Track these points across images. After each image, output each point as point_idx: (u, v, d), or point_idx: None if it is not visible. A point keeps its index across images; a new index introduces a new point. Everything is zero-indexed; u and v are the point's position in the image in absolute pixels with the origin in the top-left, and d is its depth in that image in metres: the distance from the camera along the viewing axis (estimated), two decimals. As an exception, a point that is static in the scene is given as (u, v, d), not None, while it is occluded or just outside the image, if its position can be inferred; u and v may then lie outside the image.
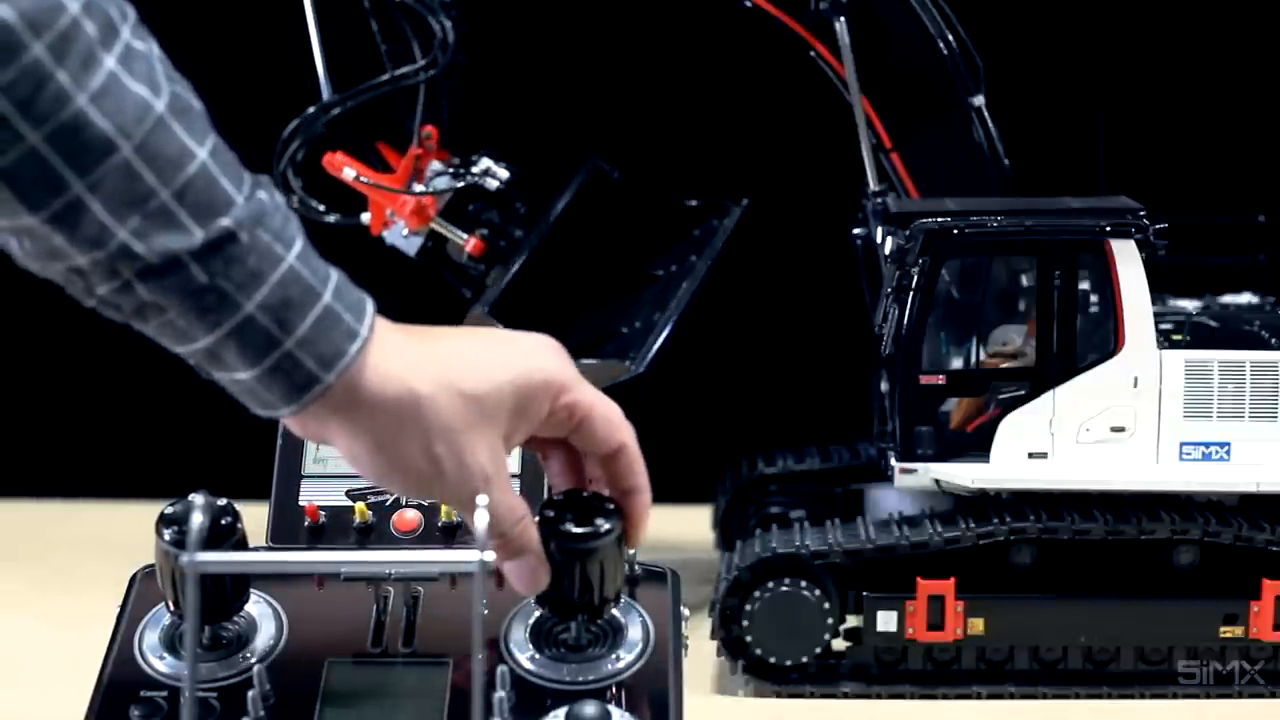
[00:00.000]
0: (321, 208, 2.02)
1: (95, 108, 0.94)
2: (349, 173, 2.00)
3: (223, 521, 1.20)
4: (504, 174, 2.03)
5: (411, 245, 2.03)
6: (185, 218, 0.98)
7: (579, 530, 1.15)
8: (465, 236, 1.99)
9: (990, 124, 1.95)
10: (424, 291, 2.04)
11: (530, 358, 1.12)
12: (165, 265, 0.98)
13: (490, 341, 1.13)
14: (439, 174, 2.01)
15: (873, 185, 1.96)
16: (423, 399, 1.05)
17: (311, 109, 1.97)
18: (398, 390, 1.05)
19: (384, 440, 1.05)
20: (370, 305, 1.05)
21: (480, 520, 1.07)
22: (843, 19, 1.91)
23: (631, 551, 1.22)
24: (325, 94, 1.98)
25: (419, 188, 1.99)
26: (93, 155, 0.95)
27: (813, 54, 1.96)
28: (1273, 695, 1.76)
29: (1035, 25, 2.38)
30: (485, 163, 2.02)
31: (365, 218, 2.02)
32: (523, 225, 2.03)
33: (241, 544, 1.23)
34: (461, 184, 2.00)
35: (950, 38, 1.93)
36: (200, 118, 1.00)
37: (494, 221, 2.02)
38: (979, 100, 1.94)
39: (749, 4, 1.94)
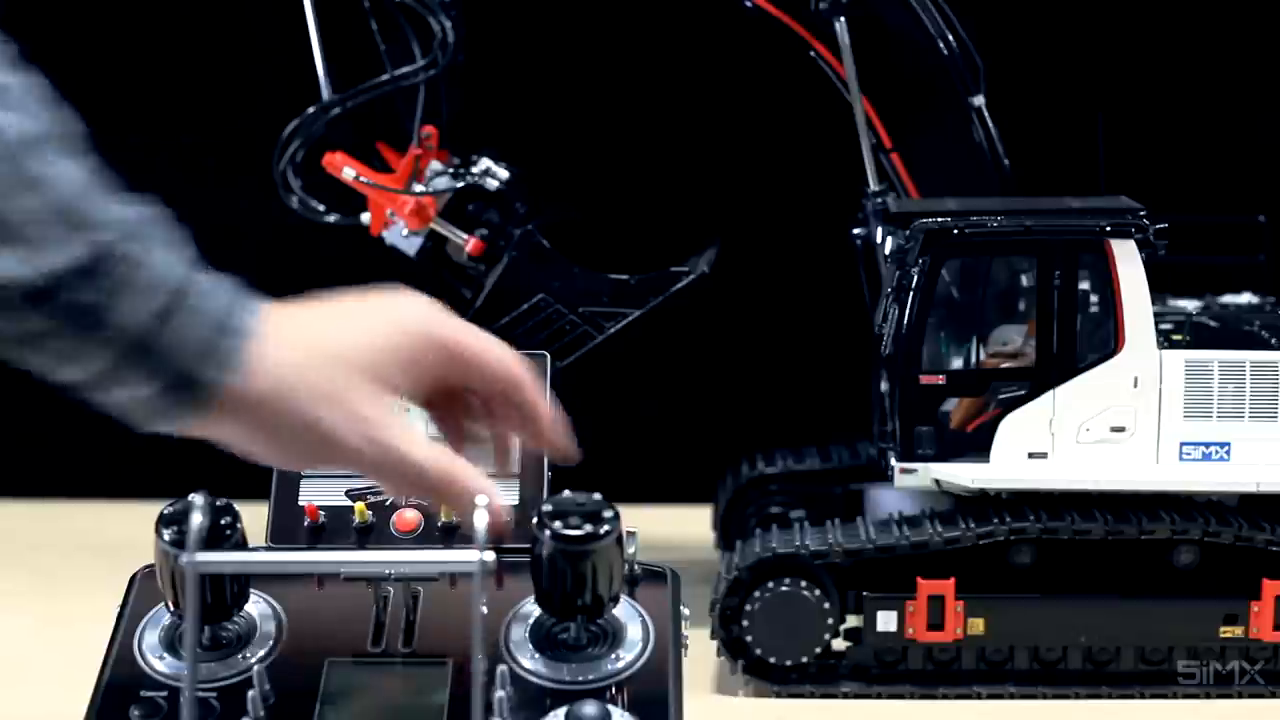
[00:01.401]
0: (321, 208, 2.02)
1: None
2: (349, 173, 2.00)
3: (222, 522, 1.20)
4: (504, 174, 2.03)
5: (411, 245, 2.03)
6: (63, 236, 0.98)
7: (579, 531, 1.15)
8: (465, 237, 1.99)
9: (990, 124, 1.95)
10: (424, 291, 2.04)
11: (405, 311, 1.13)
12: (46, 286, 0.98)
13: (366, 304, 1.13)
14: (439, 174, 2.01)
15: (873, 185, 1.96)
16: (305, 375, 1.06)
17: (311, 109, 1.97)
18: (282, 376, 1.05)
19: (278, 427, 1.06)
20: (255, 306, 1.06)
21: (480, 520, 1.07)
22: (843, 19, 1.91)
23: (631, 551, 1.22)
24: (325, 94, 1.98)
25: (419, 188, 1.99)
26: None
27: (813, 54, 1.96)
28: (1273, 695, 1.76)
29: (1035, 25, 2.38)
30: (485, 163, 2.03)
31: (365, 218, 2.02)
32: (522, 226, 2.03)
33: (241, 545, 1.23)
34: (461, 184, 2.00)
35: (950, 38, 1.93)
36: (75, 140, 1.01)
37: (494, 222, 2.02)
38: (979, 100, 1.94)
39: (749, 4, 1.94)
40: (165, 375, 1.02)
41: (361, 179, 2.00)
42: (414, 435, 1.12)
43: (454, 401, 1.18)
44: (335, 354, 1.08)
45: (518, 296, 2.00)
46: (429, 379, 1.13)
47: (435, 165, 2.01)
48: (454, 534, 1.30)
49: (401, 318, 1.12)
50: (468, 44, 1.98)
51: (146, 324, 1.01)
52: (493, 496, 1.13)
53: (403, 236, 2.02)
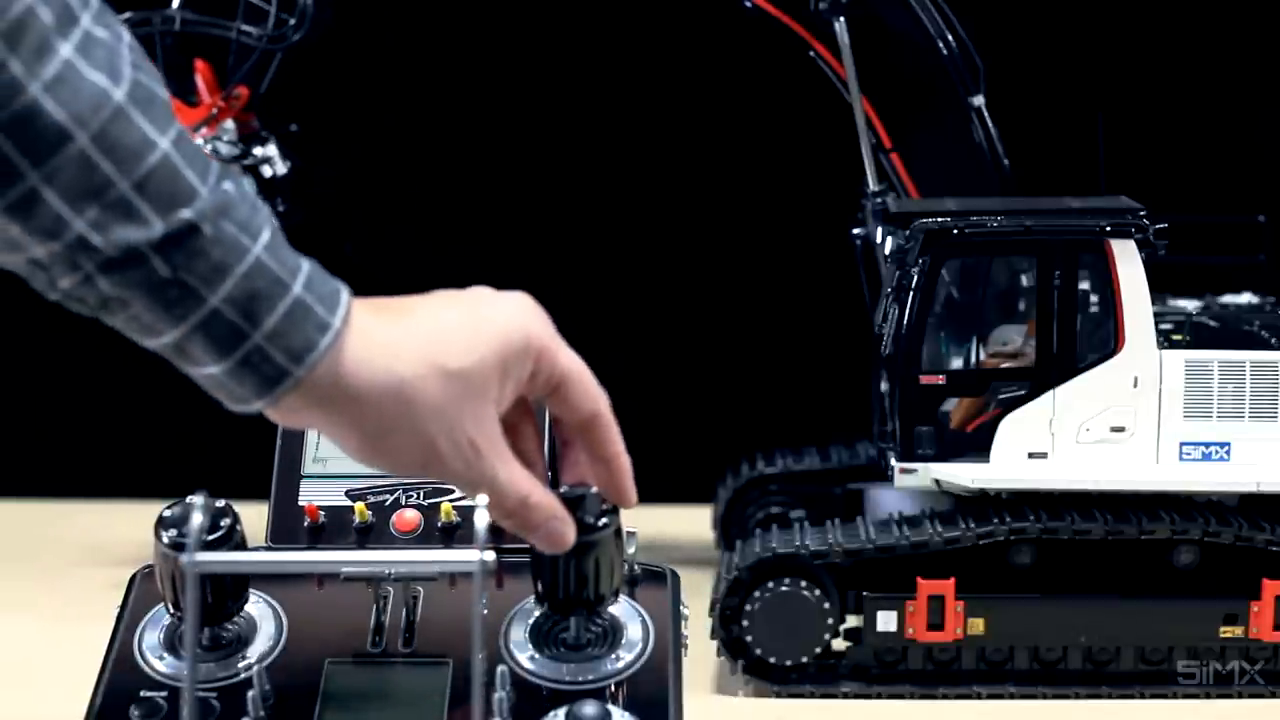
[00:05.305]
0: None
1: (49, 97, 0.93)
2: None
3: (221, 523, 1.20)
4: (281, 169, 2.04)
5: None
6: (146, 209, 0.96)
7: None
8: None
9: (990, 124, 1.95)
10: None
11: (510, 320, 1.09)
12: (125, 258, 0.96)
13: (469, 307, 1.09)
14: (226, 134, 2.01)
15: (873, 185, 1.96)
16: (406, 383, 1.03)
17: (149, 13, 1.97)
18: (381, 378, 1.03)
19: (372, 429, 1.04)
20: (345, 295, 1.03)
21: (480, 520, 1.07)
22: (842, 19, 1.91)
23: (631, 551, 1.22)
24: (175, 3, 1.98)
25: (200, 140, 2.00)
26: (47, 145, 0.94)
27: (812, 54, 1.96)
28: (1273, 695, 1.76)
29: (1035, 25, 2.38)
30: (271, 150, 2.04)
31: None
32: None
33: (240, 546, 1.23)
34: (231, 161, 2.01)
35: (950, 38, 1.93)
36: (164, 106, 0.98)
37: None
38: (979, 100, 1.94)
39: (749, 4, 1.94)
40: (233, 356, 1.00)
41: None
42: (510, 465, 1.09)
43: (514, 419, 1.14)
44: (449, 369, 1.04)
45: None
46: (519, 392, 1.10)
47: (228, 125, 2.02)
48: (454, 534, 1.30)
49: (507, 328, 1.08)
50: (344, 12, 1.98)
51: (216, 304, 0.98)
52: (569, 535, 1.12)
53: None
